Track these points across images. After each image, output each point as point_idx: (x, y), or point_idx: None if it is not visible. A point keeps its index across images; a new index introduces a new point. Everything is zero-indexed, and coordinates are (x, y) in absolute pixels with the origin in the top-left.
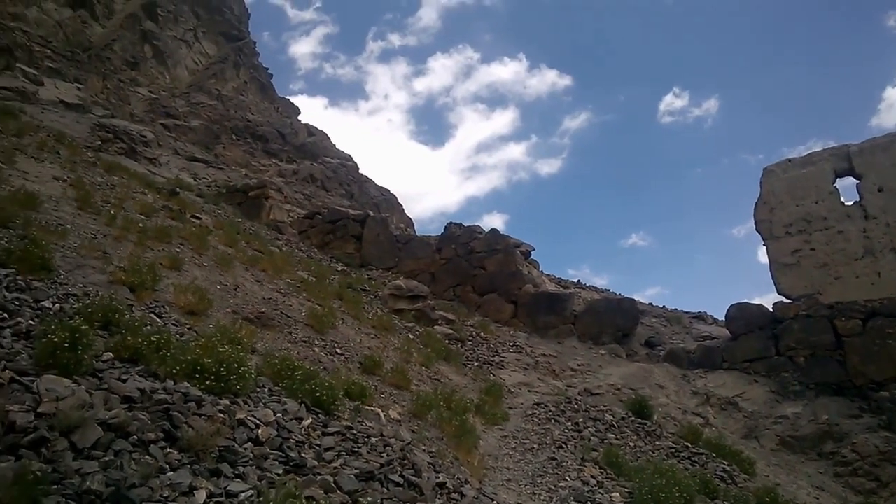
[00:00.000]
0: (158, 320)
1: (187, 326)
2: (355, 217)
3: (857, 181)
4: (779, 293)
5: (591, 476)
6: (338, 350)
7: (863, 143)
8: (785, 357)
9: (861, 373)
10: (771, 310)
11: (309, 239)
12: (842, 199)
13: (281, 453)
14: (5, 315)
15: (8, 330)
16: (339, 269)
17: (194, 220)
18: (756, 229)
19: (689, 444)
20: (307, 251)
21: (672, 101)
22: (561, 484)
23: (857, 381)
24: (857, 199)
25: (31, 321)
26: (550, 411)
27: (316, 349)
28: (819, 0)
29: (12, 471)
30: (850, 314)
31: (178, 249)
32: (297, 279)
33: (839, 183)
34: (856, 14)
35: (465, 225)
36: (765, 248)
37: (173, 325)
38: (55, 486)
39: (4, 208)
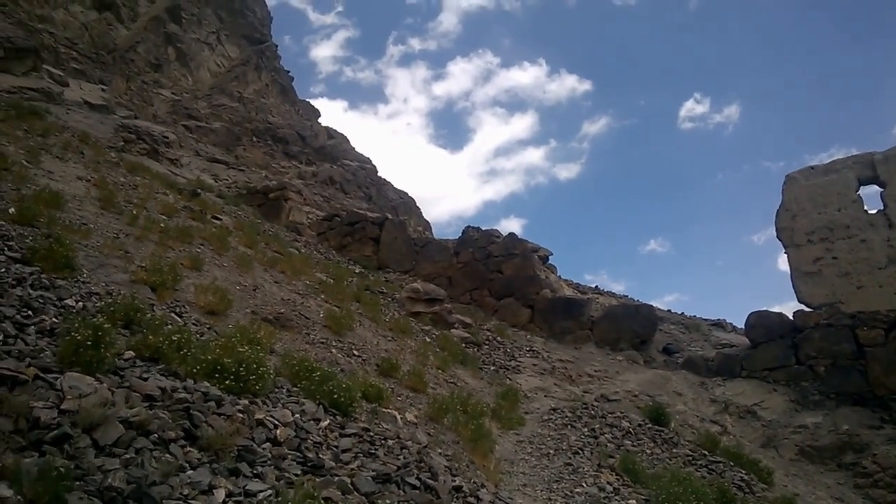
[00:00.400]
0: (179, 320)
1: (207, 326)
2: (373, 220)
3: (882, 189)
4: (799, 301)
5: (608, 482)
6: (355, 352)
7: (888, 150)
8: (805, 366)
9: (882, 383)
10: (791, 318)
11: (327, 241)
12: (865, 208)
13: (299, 454)
14: (30, 312)
15: (32, 327)
16: (357, 271)
17: (215, 220)
18: (777, 237)
19: (706, 453)
20: (325, 253)
21: (693, 107)
22: (577, 490)
23: (878, 391)
24: (881, 208)
25: (54, 319)
26: (567, 417)
27: (333, 351)
28: (843, 7)
29: (36, 466)
30: (872, 324)
31: (198, 250)
32: (316, 281)
33: (863, 191)
34: (880, 21)
35: (483, 229)
36: (786, 255)
37: (193, 324)
38: (78, 483)
39: (30, 207)
